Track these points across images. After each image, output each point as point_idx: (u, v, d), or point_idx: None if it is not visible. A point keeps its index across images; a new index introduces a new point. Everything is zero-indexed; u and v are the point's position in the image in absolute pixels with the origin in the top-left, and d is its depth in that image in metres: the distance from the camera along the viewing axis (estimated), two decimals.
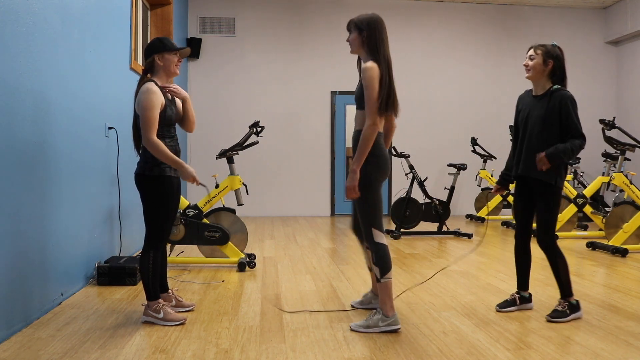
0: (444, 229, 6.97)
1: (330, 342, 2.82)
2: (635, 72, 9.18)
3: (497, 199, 8.20)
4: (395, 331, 3.00)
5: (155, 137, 2.96)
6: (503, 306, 3.44)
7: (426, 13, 9.29)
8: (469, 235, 6.56)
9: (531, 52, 3.27)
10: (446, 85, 9.34)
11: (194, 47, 8.63)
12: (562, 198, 6.82)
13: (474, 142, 8.33)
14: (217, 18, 8.89)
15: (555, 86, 3.22)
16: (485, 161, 8.33)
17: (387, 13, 9.19)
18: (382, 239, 3.00)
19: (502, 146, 9.31)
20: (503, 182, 3.54)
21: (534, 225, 3.30)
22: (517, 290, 3.49)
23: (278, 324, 3.13)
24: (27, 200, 3.03)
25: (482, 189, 8.53)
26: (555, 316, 3.20)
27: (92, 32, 4.09)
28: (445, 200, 7.86)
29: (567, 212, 6.45)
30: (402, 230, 6.70)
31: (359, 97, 3.03)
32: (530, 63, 3.25)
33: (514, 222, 7.26)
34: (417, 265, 4.86)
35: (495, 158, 8.49)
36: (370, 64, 2.92)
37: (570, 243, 6.13)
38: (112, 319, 3.19)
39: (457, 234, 6.70)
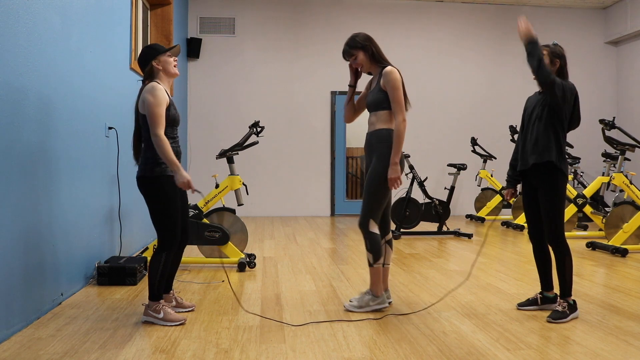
0: (444, 229, 6.97)
1: (330, 342, 2.82)
2: (635, 72, 9.18)
3: (497, 198, 8.20)
4: (382, 310, 3.38)
5: (162, 133, 2.96)
6: (523, 304, 3.46)
7: (426, 13, 9.29)
8: (469, 235, 6.55)
9: None
10: (446, 85, 9.34)
11: (194, 47, 8.62)
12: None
13: (474, 142, 8.33)
14: (217, 18, 8.89)
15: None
16: (485, 161, 8.33)
17: (387, 13, 9.19)
18: (376, 229, 3.35)
19: (502, 146, 9.31)
20: (513, 184, 3.50)
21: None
22: (540, 290, 3.48)
23: (278, 324, 3.13)
24: (27, 200, 3.03)
25: (482, 189, 8.53)
26: (556, 317, 3.19)
27: (92, 32, 4.10)
28: (445, 200, 7.86)
29: (567, 212, 6.44)
30: (402, 230, 6.70)
31: (377, 101, 3.32)
32: None
33: (514, 222, 7.34)
34: (417, 265, 4.86)
35: (495, 158, 8.49)
36: (391, 68, 3.29)
37: (570, 243, 6.13)
38: (112, 319, 3.19)
39: (457, 234, 6.70)
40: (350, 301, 3.45)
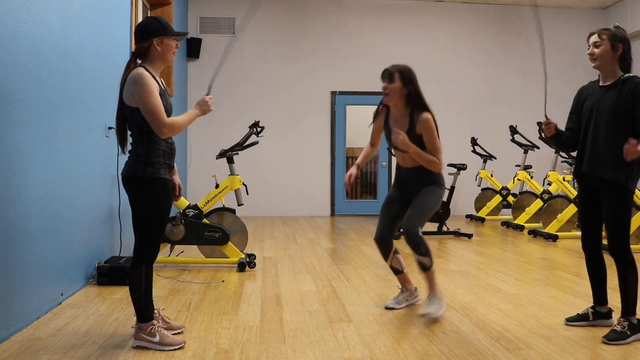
0: (444, 229, 6.97)
1: (330, 342, 2.82)
2: (635, 72, 9.14)
3: (497, 198, 8.19)
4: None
5: (166, 119, 2.63)
6: (572, 320, 3.12)
7: (426, 13, 9.29)
8: (469, 235, 6.55)
9: (594, 38, 2.90)
10: (446, 85, 9.33)
11: (194, 47, 8.62)
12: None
13: (474, 142, 8.33)
14: (217, 18, 8.89)
15: (627, 74, 2.90)
16: (485, 161, 8.32)
17: (387, 13, 9.19)
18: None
19: (502, 146, 9.29)
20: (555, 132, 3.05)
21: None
22: (592, 305, 3.12)
23: (278, 324, 3.13)
24: (26, 200, 3.03)
25: (482, 189, 8.53)
26: (613, 338, 2.81)
27: (92, 32, 4.10)
28: (445, 200, 7.85)
29: (567, 212, 6.45)
30: (402, 230, 6.69)
31: (418, 141, 3.33)
32: (597, 51, 2.88)
33: (514, 222, 7.33)
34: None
35: (495, 158, 8.48)
36: (429, 115, 3.36)
37: (570, 243, 6.13)
38: (112, 319, 3.19)
39: (457, 234, 6.70)
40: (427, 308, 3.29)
